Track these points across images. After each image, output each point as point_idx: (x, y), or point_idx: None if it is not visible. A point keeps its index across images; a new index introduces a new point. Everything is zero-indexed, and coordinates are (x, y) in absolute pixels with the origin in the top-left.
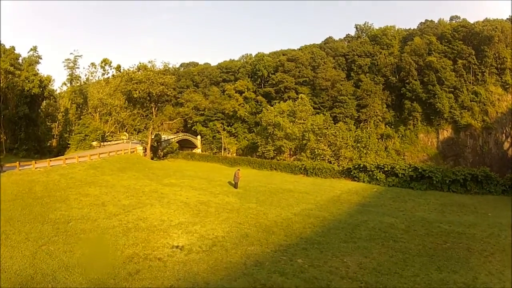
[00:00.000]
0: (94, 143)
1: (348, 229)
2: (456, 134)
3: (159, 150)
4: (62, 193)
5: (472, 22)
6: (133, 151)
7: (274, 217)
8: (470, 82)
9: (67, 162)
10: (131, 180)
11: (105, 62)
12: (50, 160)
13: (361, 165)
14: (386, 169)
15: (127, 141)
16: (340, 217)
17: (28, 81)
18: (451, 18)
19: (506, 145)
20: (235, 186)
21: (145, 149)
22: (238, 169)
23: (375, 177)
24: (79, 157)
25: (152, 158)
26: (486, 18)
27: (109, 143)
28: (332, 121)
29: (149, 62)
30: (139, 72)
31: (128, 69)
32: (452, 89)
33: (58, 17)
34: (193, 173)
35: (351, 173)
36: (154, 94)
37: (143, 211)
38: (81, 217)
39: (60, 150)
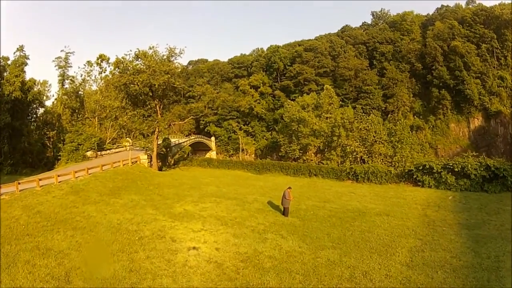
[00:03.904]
0: (89, 153)
1: None
2: (486, 123)
3: (169, 157)
4: (9, 249)
5: (487, 6)
6: (135, 162)
7: (387, 282)
8: (494, 67)
9: (42, 183)
10: (125, 210)
11: (102, 58)
12: (19, 183)
13: (426, 166)
14: (456, 169)
15: (130, 148)
16: (472, 261)
17: (9, 83)
18: (467, 3)
19: None
20: (285, 212)
21: (150, 158)
22: (289, 188)
23: (443, 180)
24: (58, 175)
25: (160, 169)
26: (502, 2)
27: (107, 152)
28: (363, 114)
29: (150, 48)
30: (138, 62)
31: (123, 57)
32: (479, 75)
33: (63, 19)
34: (216, 189)
35: (413, 177)
36: (157, 87)
37: None
38: None
39: (55, 163)
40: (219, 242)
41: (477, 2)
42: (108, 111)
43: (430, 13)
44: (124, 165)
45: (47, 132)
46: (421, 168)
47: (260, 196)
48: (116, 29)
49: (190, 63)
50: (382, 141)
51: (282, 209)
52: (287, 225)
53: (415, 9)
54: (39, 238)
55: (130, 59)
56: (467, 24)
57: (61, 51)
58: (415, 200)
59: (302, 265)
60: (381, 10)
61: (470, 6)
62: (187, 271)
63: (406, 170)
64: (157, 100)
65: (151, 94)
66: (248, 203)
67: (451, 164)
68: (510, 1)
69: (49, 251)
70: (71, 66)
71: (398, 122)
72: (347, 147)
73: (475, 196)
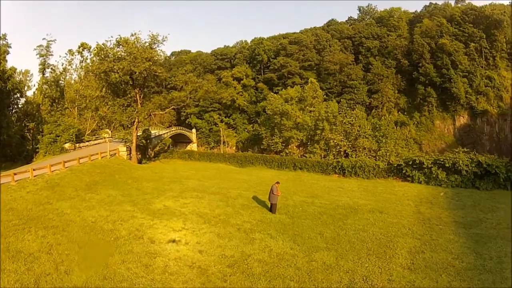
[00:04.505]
0: (67, 145)
1: None
2: (472, 121)
3: (149, 149)
4: None
5: (477, 5)
6: (114, 154)
7: None
8: (482, 67)
9: (17, 178)
10: (101, 207)
11: (83, 46)
12: None
13: (416, 161)
14: (447, 165)
15: (109, 140)
16: (474, 262)
17: None
18: (457, 1)
19: None
20: (272, 208)
21: (129, 150)
22: (277, 182)
23: (433, 176)
24: (34, 169)
25: (139, 161)
26: (492, 2)
27: (86, 144)
28: (348, 108)
29: (132, 35)
30: (119, 49)
31: (103, 44)
32: (466, 74)
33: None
34: (197, 183)
35: (403, 172)
36: (137, 75)
37: None
38: None
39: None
40: (202, 243)
41: (467, 1)
42: (88, 101)
43: (418, 11)
44: (102, 157)
45: (28, 124)
46: (410, 163)
47: (244, 190)
48: (98, 21)
49: (173, 54)
50: (367, 136)
51: (269, 205)
52: (276, 223)
53: (403, 6)
54: (10, 239)
55: (111, 46)
56: (456, 23)
57: (43, 39)
58: (406, 196)
59: (296, 270)
60: (368, 6)
61: (459, 5)
62: (167, 279)
63: (395, 165)
64: (138, 89)
65: (131, 83)
66: (232, 199)
67: (441, 160)
68: (500, 2)
69: (19, 253)
70: (52, 55)
71: (383, 117)
72: (331, 141)
73: (467, 193)
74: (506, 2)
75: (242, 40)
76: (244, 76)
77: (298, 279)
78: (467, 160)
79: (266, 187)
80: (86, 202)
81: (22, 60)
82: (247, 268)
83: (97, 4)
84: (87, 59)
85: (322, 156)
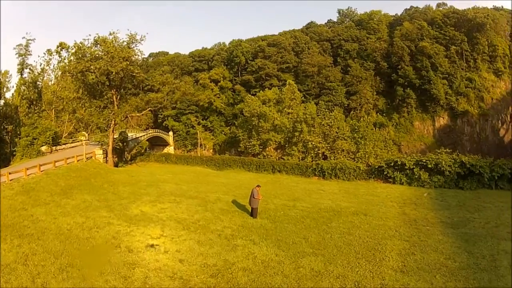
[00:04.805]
0: (44, 148)
1: None
2: (452, 122)
3: (126, 152)
4: None
5: (460, 9)
6: (90, 157)
7: None
8: (462, 69)
9: None
10: (76, 213)
11: (62, 46)
12: None
13: (398, 162)
14: (429, 165)
15: (86, 143)
16: (467, 262)
17: None
18: (438, 5)
19: (502, 131)
20: (253, 213)
21: (106, 153)
22: (258, 186)
23: (415, 176)
24: (10, 173)
25: (116, 165)
26: (475, 6)
27: (63, 147)
28: (326, 110)
29: (110, 34)
30: (97, 48)
31: (81, 43)
32: (446, 75)
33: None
34: (174, 187)
35: (384, 173)
36: (114, 75)
37: None
38: None
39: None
40: (182, 251)
41: (449, 5)
42: (65, 103)
43: (399, 14)
44: (78, 161)
45: (6, 126)
46: (392, 164)
47: (223, 194)
48: (75, 23)
49: (151, 55)
50: (345, 137)
51: (250, 210)
52: (258, 228)
53: (383, 9)
54: None
55: (89, 45)
56: (437, 26)
57: (22, 38)
58: (389, 197)
59: (283, 277)
60: (348, 9)
61: (441, 8)
62: None
63: (376, 166)
64: (114, 90)
65: (108, 84)
66: (210, 203)
67: (424, 161)
68: (483, 5)
69: None
70: (31, 54)
71: (361, 119)
72: (309, 143)
73: (451, 193)
74: (490, 6)
75: (220, 42)
76: (222, 78)
77: (286, 287)
78: (449, 161)
79: (245, 191)
80: (61, 208)
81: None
82: (232, 278)
83: (72, 4)
84: (65, 59)
85: (300, 158)
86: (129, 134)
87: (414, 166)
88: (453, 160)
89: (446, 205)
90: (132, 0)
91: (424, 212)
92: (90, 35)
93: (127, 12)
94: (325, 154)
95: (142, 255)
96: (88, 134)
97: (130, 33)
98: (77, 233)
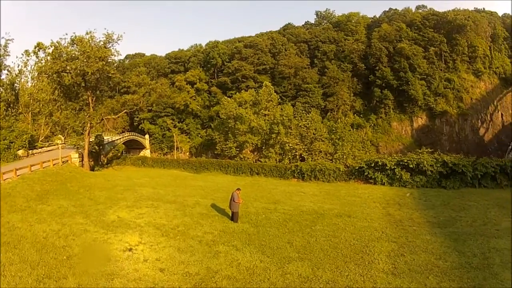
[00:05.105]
0: (20, 152)
1: None
2: (431, 122)
3: (102, 156)
4: None
5: (439, 11)
6: (66, 161)
7: None
8: (441, 70)
9: None
10: (52, 219)
11: (39, 47)
12: None
13: (379, 163)
14: (410, 165)
15: (62, 147)
16: (459, 261)
17: None
18: (418, 7)
19: (482, 131)
20: (234, 217)
21: (82, 157)
22: (238, 189)
23: (397, 177)
24: None
25: (92, 168)
26: (455, 8)
27: (39, 150)
28: (303, 111)
29: (87, 33)
30: (73, 48)
31: (57, 42)
32: (425, 76)
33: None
34: (152, 191)
35: (365, 174)
36: (90, 75)
37: None
38: None
39: None
40: (162, 259)
41: (429, 7)
42: (41, 105)
43: (377, 16)
44: (54, 165)
45: None
46: (372, 165)
47: (202, 198)
48: (51, 26)
49: (127, 57)
50: (323, 139)
51: (230, 214)
52: (239, 233)
53: (362, 11)
54: None
55: (66, 44)
56: (416, 27)
57: (2, 38)
58: (371, 198)
59: (270, 285)
60: (326, 10)
61: (420, 10)
62: None
63: (356, 167)
64: (90, 91)
65: (83, 85)
66: (189, 207)
67: (405, 161)
68: (463, 8)
69: None
70: (9, 55)
71: (339, 120)
72: (286, 145)
73: (434, 193)
74: (471, 8)
75: (197, 44)
76: (198, 80)
77: None
78: (431, 160)
79: (224, 194)
80: (37, 215)
81: None
82: (216, 287)
83: (49, 4)
84: (42, 60)
85: (278, 160)
86: (105, 138)
87: (395, 167)
88: (434, 160)
89: (430, 205)
90: (108, 0)
91: (408, 212)
92: (66, 34)
93: (102, 13)
94: (302, 155)
95: (121, 264)
96: (65, 138)
97: (107, 32)
98: (53, 241)
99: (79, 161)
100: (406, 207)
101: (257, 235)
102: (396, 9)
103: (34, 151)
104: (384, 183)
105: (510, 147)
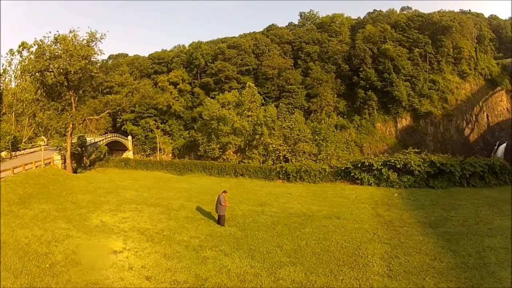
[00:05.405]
0: (3, 154)
1: None
2: (415, 122)
3: (85, 158)
4: None
5: (425, 12)
6: (49, 163)
7: None
8: (426, 71)
9: None
10: (35, 224)
11: (23, 46)
12: None
13: (366, 163)
14: (398, 166)
15: (45, 148)
16: (455, 261)
17: None
18: (402, 9)
19: (467, 131)
20: (220, 220)
21: (64, 159)
22: (224, 192)
23: (384, 177)
24: None
25: (75, 171)
26: (441, 9)
27: (22, 152)
28: (287, 112)
29: (71, 31)
30: (57, 46)
31: (41, 40)
32: (409, 77)
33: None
34: (135, 194)
35: (351, 174)
36: (72, 74)
37: None
38: None
39: None
40: (148, 266)
41: (414, 8)
42: (24, 105)
43: (362, 17)
44: (37, 167)
45: None
46: (359, 165)
47: (186, 201)
48: (32, 27)
49: (110, 57)
50: (306, 140)
51: (216, 217)
52: (227, 237)
53: (346, 12)
54: None
55: (49, 42)
56: (400, 29)
57: None
58: (359, 199)
59: None
60: (309, 12)
61: (405, 12)
62: None
63: (343, 168)
64: (72, 91)
65: (66, 84)
66: (174, 211)
67: (392, 161)
68: (447, 10)
69: None
70: None
71: (322, 121)
72: (270, 146)
73: (422, 192)
74: (456, 9)
75: (180, 44)
76: (181, 81)
77: None
78: (419, 160)
79: (208, 196)
80: (19, 219)
81: None
82: None
83: (32, 3)
84: (26, 59)
85: (261, 161)
86: (87, 139)
87: (382, 167)
88: (422, 160)
89: (419, 205)
90: (92, 0)
91: (398, 212)
92: (50, 32)
93: (86, 12)
94: (286, 156)
95: (106, 272)
96: (48, 139)
97: (90, 31)
98: (36, 247)
99: (62, 163)
100: (395, 207)
101: (245, 239)
102: (380, 10)
103: (17, 152)
104: (371, 183)
105: (496, 147)
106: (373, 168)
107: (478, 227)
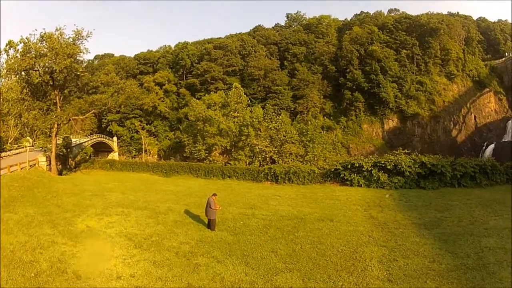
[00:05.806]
0: None
1: None
2: (402, 124)
3: (70, 159)
4: None
5: (412, 14)
6: (34, 165)
7: None
8: (413, 72)
9: None
10: (19, 230)
11: (10, 45)
12: None
13: (355, 164)
14: (388, 167)
15: (30, 149)
16: (454, 263)
17: None
18: (390, 11)
19: (455, 132)
20: (210, 225)
21: (49, 160)
22: (214, 195)
23: (374, 178)
24: None
25: (60, 172)
26: (429, 12)
27: (8, 153)
28: (273, 113)
29: (57, 29)
30: (43, 44)
31: (27, 38)
32: (396, 79)
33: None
34: (121, 196)
35: (340, 175)
36: (58, 73)
37: None
38: None
39: None
40: (137, 275)
41: (401, 11)
42: (10, 105)
43: (349, 19)
44: (22, 169)
45: None
46: (349, 166)
47: (174, 204)
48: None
49: (96, 57)
50: (293, 141)
51: (206, 221)
52: (218, 243)
53: (333, 14)
54: None
55: (35, 41)
56: (388, 30)
57: None
58: (351, 200)
59: None
60: (296, 13)
61: (393, 14)
62: None
63: (332, 169)
64: (58, 90)
65: (51, 83)
66: (162, 214)
67: (382, 162)
68: (435, 12)
69: None
70: None
71: (309, 122)
72: (256, 147)
73: (414, 193)
74: (444, 12)
75: (166, 45)
76: (166, 82)
77: None
78: (409, 161)
79: (197, 199)
80: (3, 224)
81: None
82: None
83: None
84: (12, 58)
85: (247, 162)
86: (73, 140)
87: (372, 168)
88: (412, 161)
89: (412, 206)
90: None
91: (391, 214)
92: (36, 30)
93: (71, 12)
94: (273, 158)
95: (93, 282)
96: (33, 140)
97: (77, 29)
98: (20, 255)
99: (47, 165)
100: (388, 208)
101: (237, 244)
102: (368, 12)
103: (3, 154)
104: (361, 184)
105: (484, 147)
106: (363, 169)
107: (474, 227)
